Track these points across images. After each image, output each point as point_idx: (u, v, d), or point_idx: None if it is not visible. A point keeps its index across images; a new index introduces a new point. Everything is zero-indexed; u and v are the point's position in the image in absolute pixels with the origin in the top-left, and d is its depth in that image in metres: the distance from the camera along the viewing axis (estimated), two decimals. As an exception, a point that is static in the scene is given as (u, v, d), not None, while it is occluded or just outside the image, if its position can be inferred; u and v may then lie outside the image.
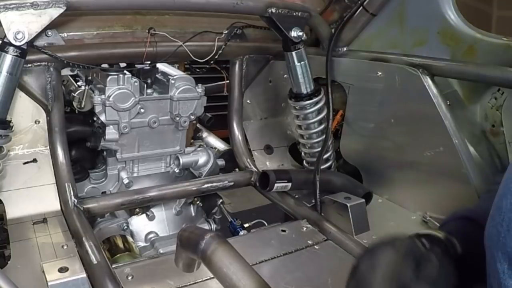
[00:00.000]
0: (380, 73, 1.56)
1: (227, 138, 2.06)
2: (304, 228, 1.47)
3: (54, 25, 1.41)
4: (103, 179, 1.72)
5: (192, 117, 1.69)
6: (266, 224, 1.75)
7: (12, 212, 1.37)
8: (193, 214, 1.85)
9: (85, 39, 1.57)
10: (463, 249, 0.75)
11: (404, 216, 1.56)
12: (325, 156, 1.73)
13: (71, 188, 1.42)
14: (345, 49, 1.80)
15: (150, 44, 1.57)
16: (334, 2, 1.76)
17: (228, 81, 1.91)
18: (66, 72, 1.58)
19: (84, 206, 1.43)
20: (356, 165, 1.79)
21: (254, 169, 1.86)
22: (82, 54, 1.48)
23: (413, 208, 1.56)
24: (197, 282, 1.20)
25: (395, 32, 1.63)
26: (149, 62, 1.65)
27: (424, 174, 1.51)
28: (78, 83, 1.67)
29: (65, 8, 1.27)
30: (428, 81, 1.40)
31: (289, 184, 1.60)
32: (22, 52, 1.23)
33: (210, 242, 0.75)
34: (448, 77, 1.45)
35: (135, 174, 1.74)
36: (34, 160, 1.43)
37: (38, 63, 1.41)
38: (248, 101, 2.04)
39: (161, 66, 1.73)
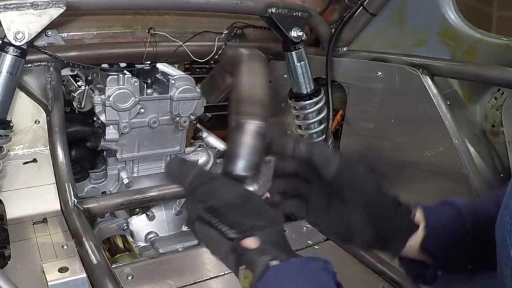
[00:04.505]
0: (380, 73, 1.56)
1: (227, 138, 2.06)
2: (304, 228, 1.47)
3: (54, 25, 1.41)
4: (103, 179, 1.72)
5: (192, 117, 1.69)
6: (266, 224, 1.74)
7: (12, 212, 1.37)
8: (193, 214, 1.85)
9: (85, 39, 1.57)
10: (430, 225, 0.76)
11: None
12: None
13: (71, 188, 1.42)
14: (345, 49, 1.80)
15: (150, 44, 1.57)
16: (334, 2, 1.76)
17: (228, 81, 1.91)
18: (66, 72, 1.58)
19: (84, 206, 1.43)
20: (356, 165, 1.79)
21: (254, 169, 1.85)
22: (82, 54, 1.48)
23: (413, 208, 1.55)
24: (197, 282, 1.21)
25: (395, 32, 1.63)
26: (149, 62, 1.65)
27: (424, 174, 1.51)
28: (78, 83, 1.67)
29: (65, 8, 1.27)
30: (428, 81, 1.40)
31: (289, 184, 1.59)
32: (22, 52, 1.23)
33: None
34: (448, 77, 1.45)
35: (135, 174, 1.74)
36: (34, 160, 1.43)
37: (38, 63, 1.41)
38: (248, 101, 2.04)
39: (161, 66, 1.73)
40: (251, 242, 0.60)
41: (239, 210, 0.62)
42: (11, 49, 1.21)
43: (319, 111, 1.73)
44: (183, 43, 1.62)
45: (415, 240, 0.75)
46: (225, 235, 0.61)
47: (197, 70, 1.91)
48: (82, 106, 1.57)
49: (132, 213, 1.68)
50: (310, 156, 0.71)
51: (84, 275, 1.06)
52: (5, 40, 1.21)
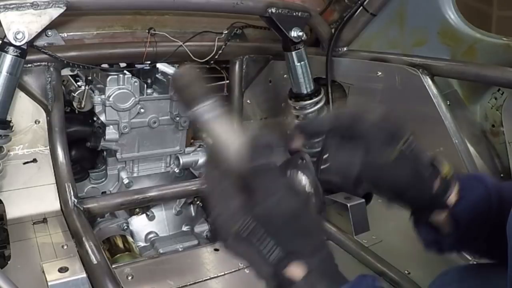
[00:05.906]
0: (380, 73, 1.56)
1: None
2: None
3: (54, 25, 1.40)
4: (103, 179, 1.72)
5: (192, 117, 1.69)
6: (266, 224, 1.74)
7: (12, 212, 1.37)
8: (193, 214, 1.85)
9: (85, 39, 1.57)
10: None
11: (404, 216, 1.54)
12: (325, 156, 1.73)
13: (71, 188, 1.42)
14: (345, 49, 1.79)
15: (150, 44, 1.57)
16: (334, 2, 1.76)
17: (228, 81, 1.91)
18: (66, 72, 1.58)
19: (84, 206, 1.43)
20: (356, 165, 1.79)
21: (254, 169, 1.85)
22: (82, 54, 1.48)
23: (413, 208, 1.55)
24: (197, 282, 1.21)
25: (395, 32, 1.62)
26: (149, 62, 1.65)
27: (424, 174, 1.50)
28: (78, 83, 1.67)
29: (65, 8, 1.27)
30: (428, 81, 1.40)
31: (289, 184, 1.59)
32: (22, 52, 1.23)
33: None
34: (448, 77, 1.45)
35: (135, 174, 1.74)
36: (34, 160, 1.43)
37: (38, 63, 1.40)
38: (248, 101, 2.04)
39: (161, 66, 1.73)
40: (297, 270, 0.52)
41: (290, 225, 0.53)
42: (11, 49, 1.21)
43: (319, 111, 1.73)
44: (183, 43, 1.62)
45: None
46: (266, 257, 0.51)
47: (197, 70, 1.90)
48: (82, 106, 1.57)
49: (132, 213, 1.68)
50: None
51: (84, 275, 1.06)
52: (5, 40, 1.21)
